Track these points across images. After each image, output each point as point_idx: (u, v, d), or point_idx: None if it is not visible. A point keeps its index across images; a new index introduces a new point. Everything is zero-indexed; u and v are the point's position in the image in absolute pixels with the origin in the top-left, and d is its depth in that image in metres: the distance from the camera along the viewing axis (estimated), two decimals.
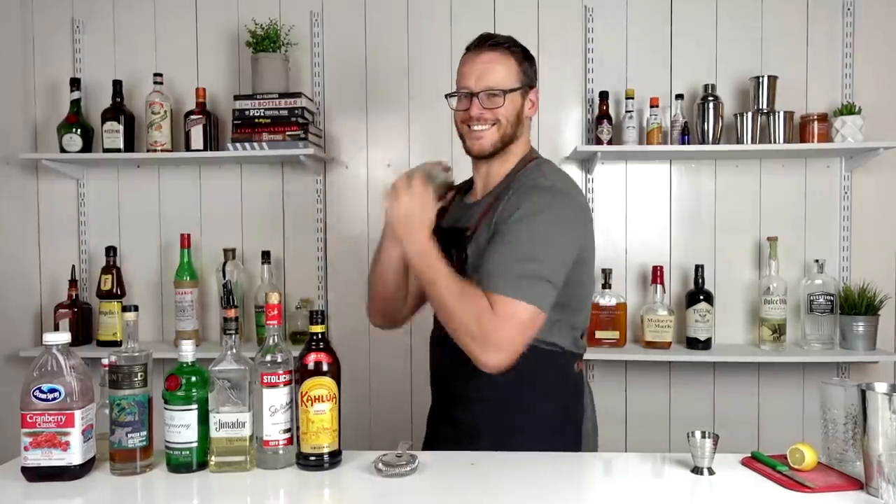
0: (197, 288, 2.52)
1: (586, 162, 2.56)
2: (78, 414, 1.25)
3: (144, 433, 1.29)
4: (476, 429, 1.49)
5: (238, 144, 2.44)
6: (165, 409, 1.29)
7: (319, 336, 1.31)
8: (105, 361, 1.35)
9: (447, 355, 1.54)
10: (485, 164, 1.55)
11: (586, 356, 2.36)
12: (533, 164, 1.53)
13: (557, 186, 1.47)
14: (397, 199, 1.43)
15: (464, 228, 1.51)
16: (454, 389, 1.54)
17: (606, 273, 2.48)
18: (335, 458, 1.31)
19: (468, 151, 1.55)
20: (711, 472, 1.28)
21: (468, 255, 1.47)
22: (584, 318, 1.55)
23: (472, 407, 1.50)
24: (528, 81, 1.53)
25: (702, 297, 2.43)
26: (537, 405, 1.47)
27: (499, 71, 1.49)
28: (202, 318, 2.59)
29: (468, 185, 1.64)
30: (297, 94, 2.46)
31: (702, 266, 2.46)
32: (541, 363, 1.46)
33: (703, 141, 2.44)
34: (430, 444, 1.60)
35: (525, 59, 1.53)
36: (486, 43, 1.51)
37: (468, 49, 1.54)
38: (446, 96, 1.55)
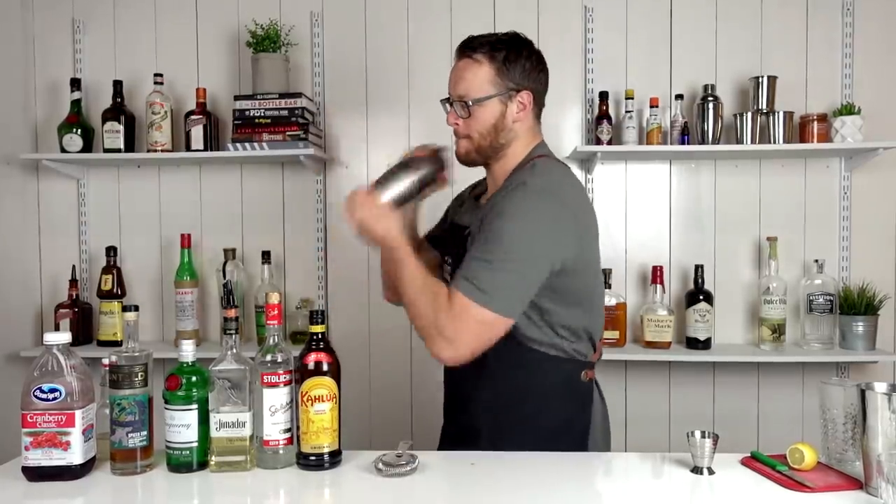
0: (197, 288, 2.53)
1: (586, 162, 2.57)
2: (78, 414, 1.25)
3: (145, 433, 1.29)
4: (476, 431, 1.47)
5: (238, 144, 2.45)
6: (166, 408, 1.29)
7: (319, 336, 1.31)
8: (105, 361, 1.36)
9: None
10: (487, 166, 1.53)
11: None
12: (530, 164, 1.46)
13: (547, 188, 1.40)
14: (351, 219, 1.39)
15: (465, 227, 1.51)
16: (458, 390, 1.55)
17: (606, 273, 2.48)
18: (335, 457, 1.31)
19: None
20: (711, 471, 1.28)
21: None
22: (590, 326, 1.49)
23: (473, 408, 1.49)
24: (512, 86, 1.44)
25: (701, 297, 2.43)
26: (539, 413, 1.45)
27: (466, 80, 1.44)
28: (202, 318, 2.59)
29: (485, 186, 1.61)
30: (298, 95, 2.47)
31: (701, 266, 2.46)
32: (542, 370, 1.44)
33: (703, 141, 2.44)
34: (441, 439, 1.62)
35: (507, 61, 1.43)
36: (464, 49, 1.46)
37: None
38: (441, 101, 1.52)
